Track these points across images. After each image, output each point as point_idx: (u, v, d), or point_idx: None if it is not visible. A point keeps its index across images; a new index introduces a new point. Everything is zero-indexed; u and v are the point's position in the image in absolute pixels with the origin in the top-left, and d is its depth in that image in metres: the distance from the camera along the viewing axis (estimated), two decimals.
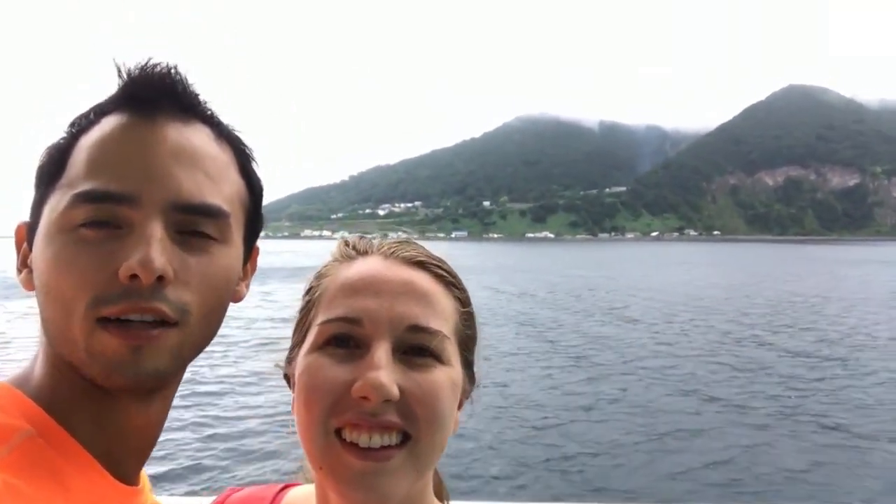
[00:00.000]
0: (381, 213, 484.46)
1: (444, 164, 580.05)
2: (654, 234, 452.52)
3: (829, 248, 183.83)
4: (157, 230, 0.70)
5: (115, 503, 0.74)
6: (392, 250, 0.84)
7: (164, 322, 0.71)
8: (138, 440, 0.79)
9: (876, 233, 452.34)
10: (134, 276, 0.68)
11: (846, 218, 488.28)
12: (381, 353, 0.74)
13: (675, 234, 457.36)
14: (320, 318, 0.79)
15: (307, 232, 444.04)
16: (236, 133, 0.83)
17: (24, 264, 0.78)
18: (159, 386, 0.77)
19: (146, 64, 0.75)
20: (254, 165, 0.85)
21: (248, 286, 0.88)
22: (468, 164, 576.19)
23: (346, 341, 0.77)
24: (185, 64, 0.76)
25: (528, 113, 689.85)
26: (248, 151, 0.84)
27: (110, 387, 0.72)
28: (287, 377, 0.86)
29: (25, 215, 0.78)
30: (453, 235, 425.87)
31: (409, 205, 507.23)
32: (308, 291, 0.86)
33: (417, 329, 0.77)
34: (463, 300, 0.86)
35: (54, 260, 0.70)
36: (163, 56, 0.75)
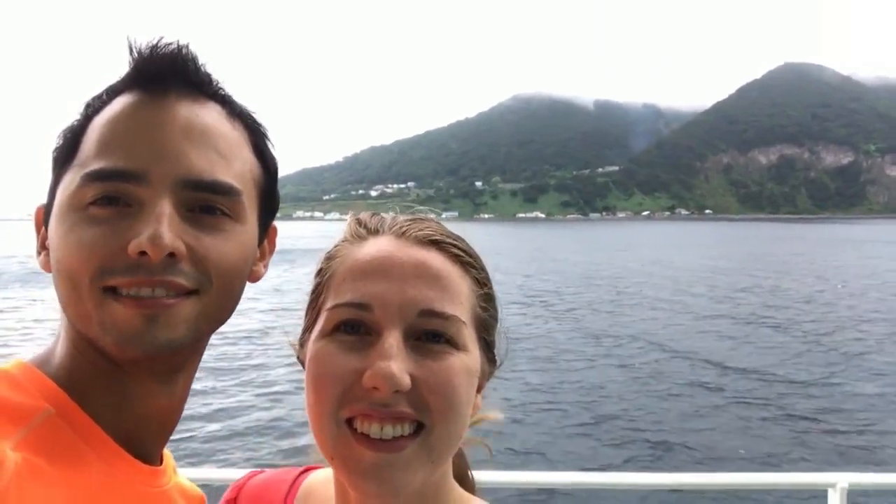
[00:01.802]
0: (374, 193, 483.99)
1: (439, 145, 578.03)
2: (646, 213, 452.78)
3: (817, 226, 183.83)
4: (166, 207, 0.70)
5: (136, 483, 0.75)
6: (404, 229, 0.80)
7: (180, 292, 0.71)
8: (159, 420, 0.79)
9: (868, 211, 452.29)
10: (143, 254, 0.68)
11: (839, 196, 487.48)
12: (392, 340, 0.71)
13: (667, 213, 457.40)
14: (329, 303, 0.76)
15: (299, 213, 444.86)
16: (249, 111, 0.82)
17: (42, 246, 0.79)
18: (176, 361, 0.77)
19: (157, 43, 0.74)
20: (269, 144, 0.84)
21: (266, 266, 0.87)
22: (462, 144, 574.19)
23: (355, 327, 0.74)
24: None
25: (523, 92, 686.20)
26: (262, 130, 0.83)
27: (124, 359, 0.72)
28: (300, 360, 0.83)
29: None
30: (444, 216, 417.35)
31: (402, 185, 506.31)
32: (318, 273, 0.82)
33: (430, 314, 0.74)
34: (481, 280, 0.82)
35: (64, 238, 0.71)
36: (169, 35, 0.75)
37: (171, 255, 0.69)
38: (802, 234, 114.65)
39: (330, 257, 0.82)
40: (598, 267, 48.08)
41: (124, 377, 0.74)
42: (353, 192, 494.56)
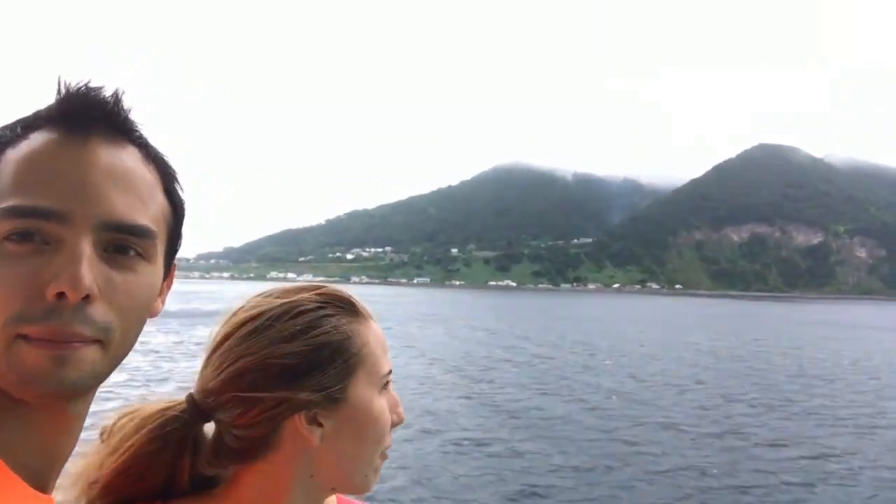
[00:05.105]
0: (350, 257, 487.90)
1: (419, 211, 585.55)
2: (616, 286, 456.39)
3: (786, 305, 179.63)
4: (86, 248, 0.71)
5: None
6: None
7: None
8: (56, 451, 0.80)
9: (837, 290, 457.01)
10: (61, 294, 0.69)
11: (809, 275, 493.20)
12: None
13: (637, 286, 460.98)
14: (372, 376, 0.92)
15: (273, 274, 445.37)
16: (163, 155, 0.87)
17: None
18: (77, 393, 0.78)
19: (86, 84, 0.76)
20: (178, 187, 0.88)
21: (163, 301, 0.92)
22: (441, 211, 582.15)
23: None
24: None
25: (505, 162, 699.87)
26: (172, 172, 0.87)
27: (25, 397, 0.72)
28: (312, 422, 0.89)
29: None
30: (415, 281, 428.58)
31: (378, 250, 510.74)
32: (328, 346, 0.90)
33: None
34: None
35: None
36: (114, 84, 0.78)
37: (86, 296, 0.70)
38: (775, 313, 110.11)
39: (347, 334, 0.91)
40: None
41: (22, 408, 0.74)
42: (330, 255, 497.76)
